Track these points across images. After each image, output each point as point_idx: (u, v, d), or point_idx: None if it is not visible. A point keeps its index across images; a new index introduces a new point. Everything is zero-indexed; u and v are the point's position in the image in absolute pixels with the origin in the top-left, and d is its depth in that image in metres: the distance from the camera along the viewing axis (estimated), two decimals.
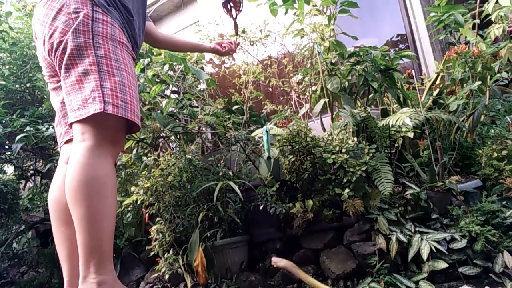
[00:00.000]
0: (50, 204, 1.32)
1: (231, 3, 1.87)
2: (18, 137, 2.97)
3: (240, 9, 1.91)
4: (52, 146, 3.35)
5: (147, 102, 2.93)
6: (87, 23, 1.20)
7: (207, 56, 3.80)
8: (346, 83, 2.68)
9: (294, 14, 2.72)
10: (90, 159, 1.12)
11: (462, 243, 1.84)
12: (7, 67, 3.81)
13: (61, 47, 1.19)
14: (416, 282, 1.77)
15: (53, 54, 1.23)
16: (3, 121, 3.30)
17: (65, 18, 1.20)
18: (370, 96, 2.79)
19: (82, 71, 1.17)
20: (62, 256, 1.28)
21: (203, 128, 3.16)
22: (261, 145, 2.63)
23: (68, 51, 1.18)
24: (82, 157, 1.13)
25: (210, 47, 2.04)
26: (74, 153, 1.15)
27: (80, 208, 1.09)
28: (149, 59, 3.08)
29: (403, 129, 2.33)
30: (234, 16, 1.92)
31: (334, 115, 2.69)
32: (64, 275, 1.27)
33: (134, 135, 2.83)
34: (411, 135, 2.35)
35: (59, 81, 1.35)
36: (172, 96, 3.23)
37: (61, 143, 1.40)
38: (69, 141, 1.37)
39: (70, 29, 1.18)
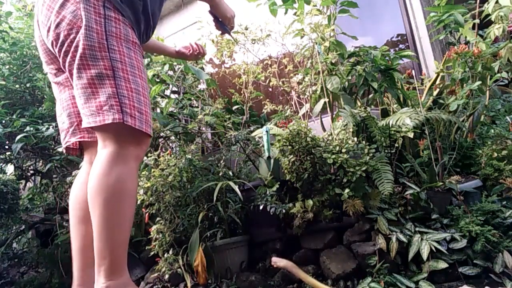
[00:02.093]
0: (70, 200, 1.34)
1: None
2: (18, 137, 2.96)
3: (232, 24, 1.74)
4: (52, 146, 3.34)
5: None
6: (99, 21, 1.15)
7: (207, 56, 3.80)
8: (346, 83, 2.68)
9: (294, 14, 2.72)
10: (110, 167, 1.13)
11: (462, 243, 1.84)
12: (7, 67, 3.81)
13: (71, 42, 1.15)
14: (416, 282, 1.78)
15: (58, 46, 1.18)
16: (3, 121, 3.30)
17: (73, 7, 1.15)
18: (370, 96, 2.79)
19: (95, 74, 1.14)
20: (74, 249, 1.30)
21: (203, 128, 3.16)
22: (261, 145, 2.63)
23: (80, 50, 1.13)
24: (101, 165, 1.14)
25: (175, 50, 1.96)
26: (96, 159, 1.17)
27: (94, 214, 1.12)
28: (149, 59, 3.08)
29: (403, 129, 2.33)
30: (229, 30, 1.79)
31: (334, 115, 2.69)
32: (74, 268, 1.29)
33: None
34: (411, 135, 2.35)
35: (57, 69, 1.32)
36: (172, 96, 3.23)
37: (66, 142, 1.37)
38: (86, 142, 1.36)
39: (80, 23, 1.13)
